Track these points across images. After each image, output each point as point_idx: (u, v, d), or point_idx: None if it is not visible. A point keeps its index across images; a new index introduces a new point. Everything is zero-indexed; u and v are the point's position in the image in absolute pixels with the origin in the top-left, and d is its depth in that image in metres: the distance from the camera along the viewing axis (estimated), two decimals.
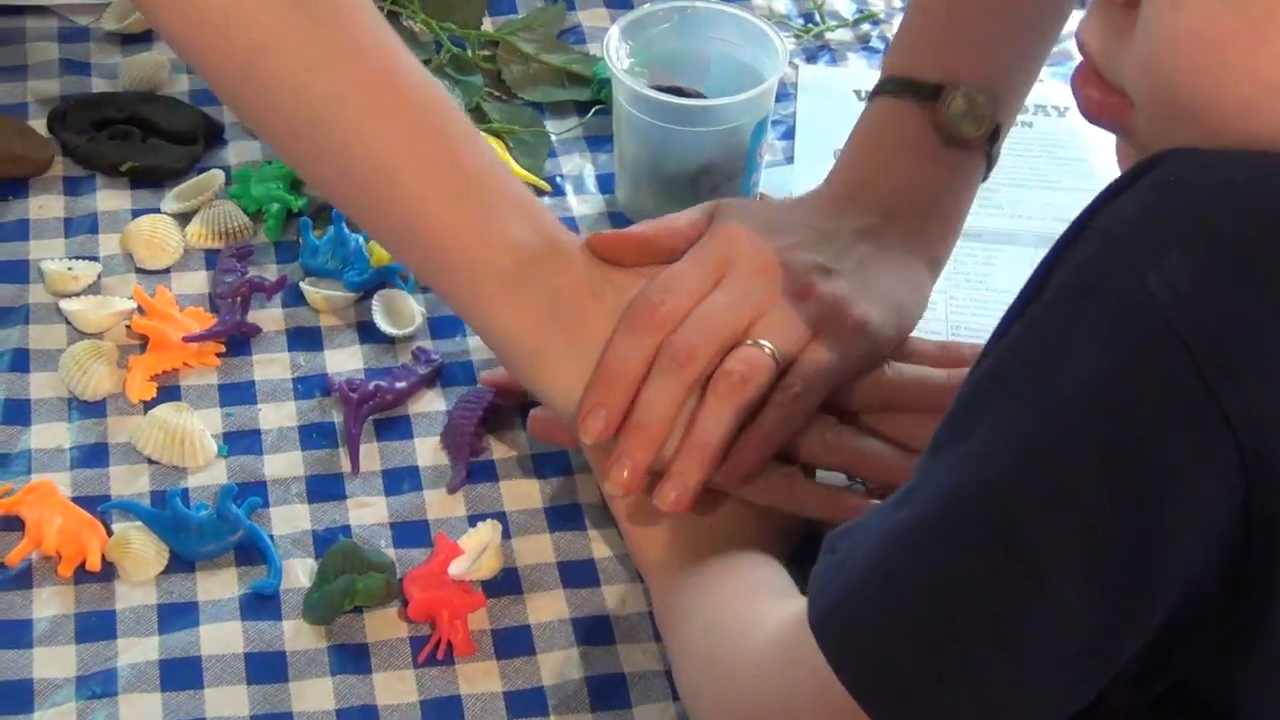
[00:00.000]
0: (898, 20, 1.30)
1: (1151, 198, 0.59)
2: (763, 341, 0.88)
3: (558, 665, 0.90)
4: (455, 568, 0.92)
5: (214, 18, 0.87)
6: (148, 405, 1.02)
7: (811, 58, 1.29)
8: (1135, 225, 0.59)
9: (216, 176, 1.15)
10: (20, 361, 1.04)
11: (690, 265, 0.91)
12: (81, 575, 0.93)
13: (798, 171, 1.19)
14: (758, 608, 0.79)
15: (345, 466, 1.00)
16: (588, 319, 0.89)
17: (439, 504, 0.98)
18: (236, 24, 0.87)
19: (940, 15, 1.00)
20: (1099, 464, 0.58)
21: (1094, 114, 0.67)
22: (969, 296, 1.09)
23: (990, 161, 1.00)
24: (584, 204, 1.17)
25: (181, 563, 0.94)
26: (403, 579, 0.93)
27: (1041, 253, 1.09)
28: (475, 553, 0.93)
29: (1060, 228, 1.11)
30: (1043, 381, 0.60)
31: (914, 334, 0.94)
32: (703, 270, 0.90)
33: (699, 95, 1.13)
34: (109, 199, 1.15)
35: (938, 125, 0.97)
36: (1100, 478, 0.58)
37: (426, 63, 1.19)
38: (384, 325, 1.06)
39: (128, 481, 0.99)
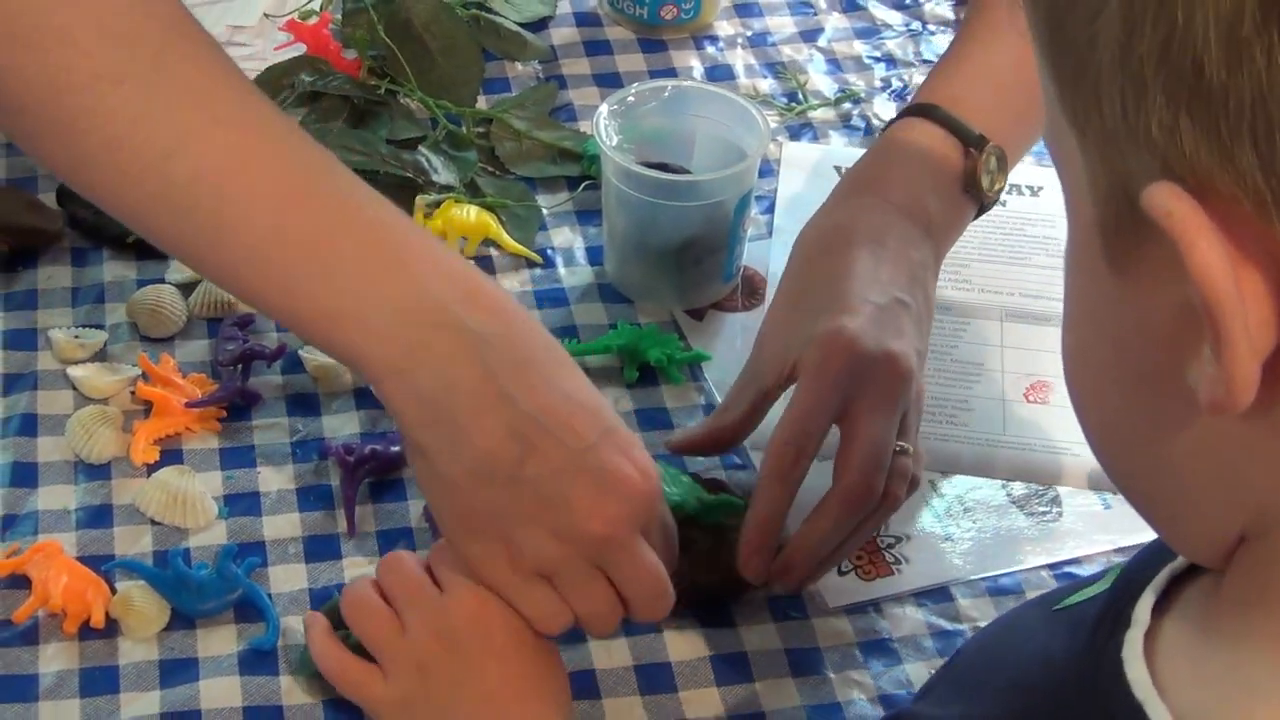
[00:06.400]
0: (878, 100, 1.33)
1: None
2: (905, 445, 0.93)
3: None
4: None
5: (64, 116, 0.78)
6: (151, 468, 1.02)
7: (794, 135, 1.30)
8: None
9: None
10: (28, 426, 1.04)
11: (817, 404, 0.92)
12: (86, 632, 0.94)
13: (775, 245, 1.20)
14: None
15: (341, 527, 1.00)
16: (479, 426, 0.79)
17: None
18: (89, 120, 0.77)
19: (996, 72, 1.04)
20: None
21: None
22: (936, 367, 1.10)
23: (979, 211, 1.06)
24: (573, 275, 1.18)
25: (182, 620, 0.95)
26: None
27: (1009, 325, 1.14)
28: None
29: (1027, 303, 1.16)
30: None
31: None
32: (831, 404, 0.92)
33: (685, 171, 1.14)
34: (115, 269, 1.15)
35: (968, 170, 1.02)
36: None
37: (423, 139, 1.24)
38: None
39: (131, 541, 0.99)
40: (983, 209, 1.05)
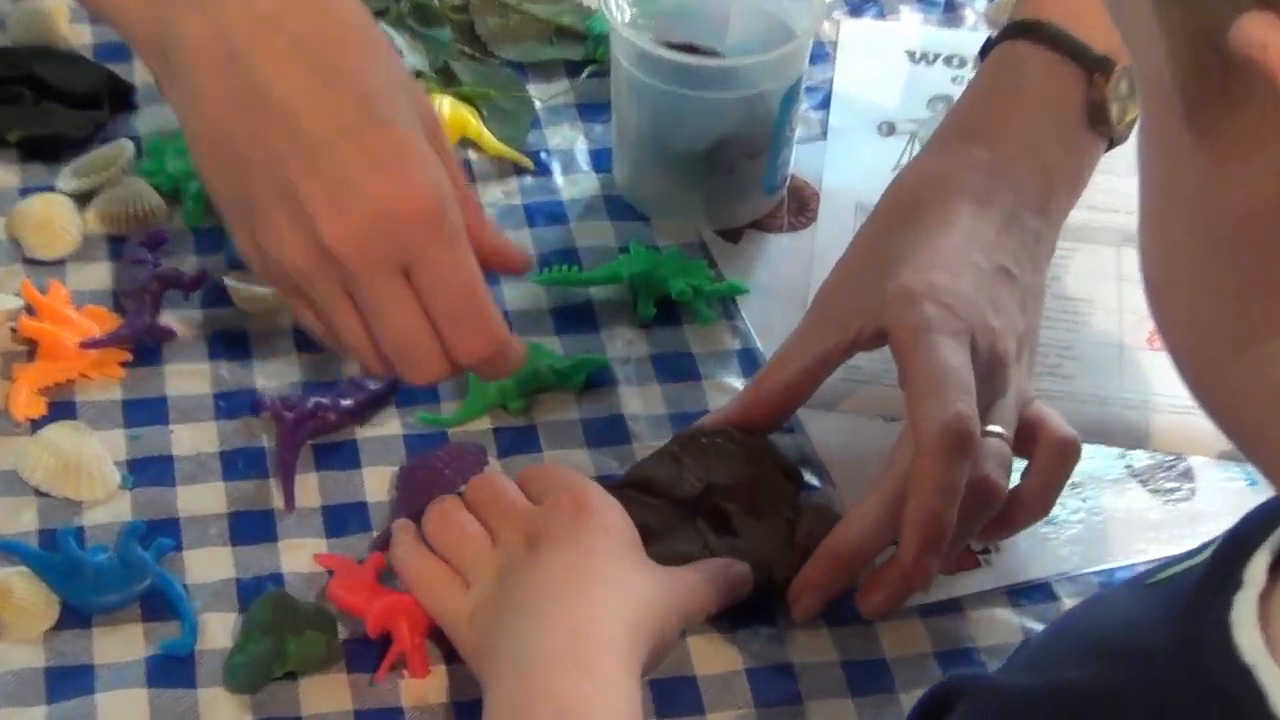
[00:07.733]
0: None
1: None
2: (999, 429, 0.91)
3: None
4: None
5: None
6: (36, 424, 0.99)
7: (855, 10, 1.27)
8: None
9: (124, 148, 1.10)
10: None
11: (962, 364, 0.88)
12: None
13: (831, 149, 1.16)
14: None
15: (277, 502, 0.97)
16: (205, 88, 0.83)
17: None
18: None
19: None
20: None
21: None
22: None
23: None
24: (574, 185, 1.13)
25: (75, 616, 0.91)
26: (325, 589, 0.91)
27: (1127, 252, 1.09)
28: None
29: None
30: None
31: None
32: (969, 365, 0.89)
33: (716, 54, 1.10)
34: None
35: (1093, 100, 0.99)
36: None
37: (383, 12, 1.19)
38: None
39: (10, 517, 0.95)
40: (1112, 144, 1.02)
